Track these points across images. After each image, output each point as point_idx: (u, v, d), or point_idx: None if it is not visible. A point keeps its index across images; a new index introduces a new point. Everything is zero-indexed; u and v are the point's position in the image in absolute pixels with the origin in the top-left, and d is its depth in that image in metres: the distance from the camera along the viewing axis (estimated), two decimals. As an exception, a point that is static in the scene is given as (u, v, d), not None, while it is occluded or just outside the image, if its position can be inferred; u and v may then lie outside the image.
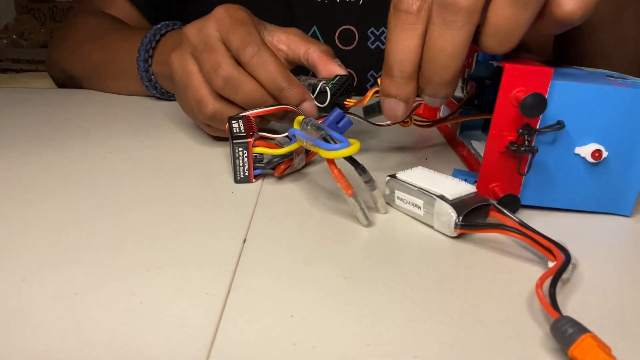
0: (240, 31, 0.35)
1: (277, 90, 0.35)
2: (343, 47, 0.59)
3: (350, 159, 0.27)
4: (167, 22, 0.51)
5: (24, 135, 0.41)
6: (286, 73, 0.35)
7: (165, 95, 0.53)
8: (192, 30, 0.37)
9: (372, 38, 0.59)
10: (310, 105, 0.37)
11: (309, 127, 0.29)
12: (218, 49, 0.35)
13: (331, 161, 0.27)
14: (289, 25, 0.41)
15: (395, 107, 0.30)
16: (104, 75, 0.56)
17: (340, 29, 0.58)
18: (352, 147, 0.26)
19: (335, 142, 0.27)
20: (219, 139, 0.41)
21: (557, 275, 0.22)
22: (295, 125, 0.31)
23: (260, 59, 0.35)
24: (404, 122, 0.38)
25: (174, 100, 0.52)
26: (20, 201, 0.29)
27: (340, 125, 0.33)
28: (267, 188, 0.33)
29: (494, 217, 0.28)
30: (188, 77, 0.37)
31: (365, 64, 0.60)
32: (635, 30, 0.45)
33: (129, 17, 0.60)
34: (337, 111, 0.33)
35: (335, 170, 0.27)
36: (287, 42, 0.40)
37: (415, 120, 0.39)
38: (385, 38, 0.59)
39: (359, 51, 0.59)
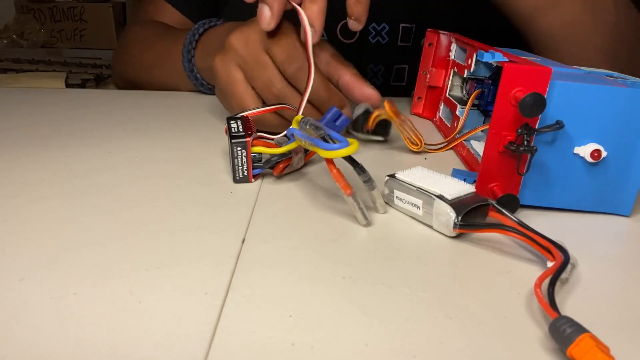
0: (285, 43, 0.37)
1: (319, 102, 0.38)
2: (344, 40, 0.60)
3: (349, 159, 0.27)
4: (204, 20, 0.53)
5: (22, 135, 0.40)
6: (327, 85, 0.39)
7: (214, 90, 0.53)
8: (238, 41, 0.38)
9: (373, 33, 0.60)
10: (347, 111, 0.40)
11: (307, 127, 0.29)
12: (269, 67, 0.38)
13: (330, 161, 0.27)
14: (292, 19, 0.41)
15: (262, 11, 0.36)
16: (158, 78, 0.59)
17: (342, 23, 0.59)
18: (351, 147, 0.26)
19: (334, 142, 0.27)
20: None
21: (555, 275, 0.22)
22: (294, 125, 0.31)
23: (305, 73, 0.37)
24: (414, 145, 0.39)
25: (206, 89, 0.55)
26: (18, 200, 0.29)
27: (337, 123, 0.33)
28: (266, 187, 0.33)
29: (493, 217, 0.28)
30: (233, 84, 0.39)
31: (364, 57, 0.61)
32: (578, 14, 0.47)
33: (178, 21, 0.64)
34: (334, 109, 0.33)
35: (334, 170, 0.27)
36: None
37: (426, 144, 0.40)
38: (386, 33, 0.60)
39: (359, 45, 0.60)
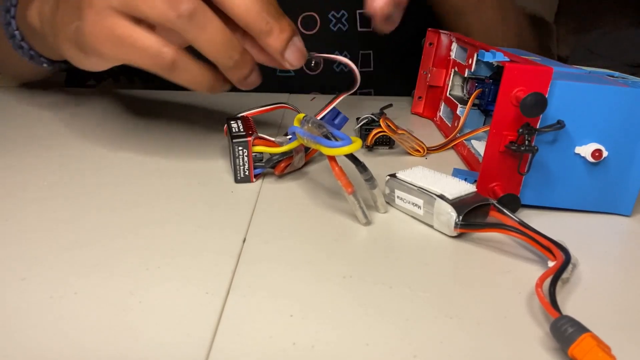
0: None
1: (257, 28, 0.29)
2: (306, 32, 0.60)
3: (351, 157, 0.27)
4: None
5: (22, 134, 0.40)
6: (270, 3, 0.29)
7: (36, 58, 0.44)
8: None
9: (334, 21, 0.60)
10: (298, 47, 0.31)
11: (310, 125, 0.29)
12: None
13: (332, 158, 0.27)
14: None
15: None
16: None
17: (302, 16, 0.59)
18: (354, 145, 0.26)
19: (337, 140, 0.27)
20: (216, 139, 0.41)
21: (557, 275, 0.22)
22: (295, 123, 0.31)
23: None
24: (416, 152, 0.39)
25: (45, 64, 0.45)
26: (19, 200, 0.29)
27: (336, 122, 0.33)
28: (267, 187, 0.33)
29: (493, 216, 0.28)
30: (125, 40, 0.28)
31: (328, 45, 0.61)
32: (492, 19, 0.55)
33: None
34: (333, 108, 0.33)
35: (336, 168, 0.27)
36: None
37: (429, 148, 0.40)
38: (345, 20, 0.60)
39: (322, 34, 0.60)
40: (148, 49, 0.28)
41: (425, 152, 0.39)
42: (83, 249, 0.25)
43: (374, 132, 0.38)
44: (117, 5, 0.28)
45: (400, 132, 0.38)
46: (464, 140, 0.40)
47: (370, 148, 0.40)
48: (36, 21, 0.35)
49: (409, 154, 0.39)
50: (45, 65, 0.45)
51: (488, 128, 0.36)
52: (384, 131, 0.38)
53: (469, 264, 0.25)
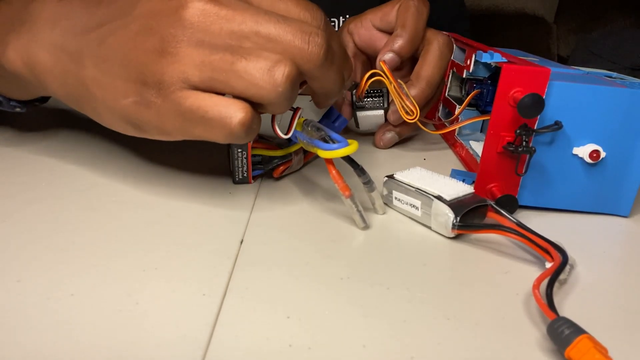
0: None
1: (332, 95, 0.29)
2: None
3: (349, 160, 0.27)
4: None
5: (20, 134, 0.40)
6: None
7: (5, 103, 0.35)
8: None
9: None
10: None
11: (308, 128, 0.29)
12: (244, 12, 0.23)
13: (329, 161, 0.27)
14: None
15: None
16: None
17: None
18: (350, 147, 0.26)
19: (334, 142, 0.27)
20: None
21: (554, 276, 0.22)
22: (297, 127, 0.30)
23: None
24: (409, 115, 0.36)
25: (18, 108, 0.36)
26: (15, 201, 0.29)
27: (336, 124, 0.33)
28: (265, 188, 0.33)
29: (491, 217, 0.28)
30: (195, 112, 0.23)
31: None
32: None
33: None
34: (332, 110, 0.33)
35: (334, 171, 0.27)
36: None
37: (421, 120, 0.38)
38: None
39: None
40: (221, 119, 0.23)
41: (417, 115, 0.36)
42: (79, 250, 0.25)
43: (368, 74, 0.35)
44: (197, 82, 0.23)
45: (399, 81, 0.36)
46: (462, 141, 0.40)
47: (360, 101, 0.38)
48: (20, 69, 0.28)
49: (405, 152, 0.39)
50: (18, 109, 0.36)
51: (483, 118, 0.36)
52: (380, 75, 0.35)
53: (466, 265, 0.25)
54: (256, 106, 0.24)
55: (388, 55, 0.38)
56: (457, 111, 0.40)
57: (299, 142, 0.30)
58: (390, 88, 0.37)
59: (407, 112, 0.36)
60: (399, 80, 0.37)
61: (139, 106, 0.24)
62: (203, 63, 0.23)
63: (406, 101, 0.36)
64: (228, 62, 0.23)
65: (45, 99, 0.38)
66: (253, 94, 0.23)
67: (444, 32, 0.41)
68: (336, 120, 0.33)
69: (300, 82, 0.25)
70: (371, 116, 0.40)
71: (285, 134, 0.28)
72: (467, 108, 0.40)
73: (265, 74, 0.23)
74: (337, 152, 0.26)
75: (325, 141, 0.27)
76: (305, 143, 0.29)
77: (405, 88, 0.37)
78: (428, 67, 0.39)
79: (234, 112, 0.23)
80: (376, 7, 0.42)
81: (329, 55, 0.24)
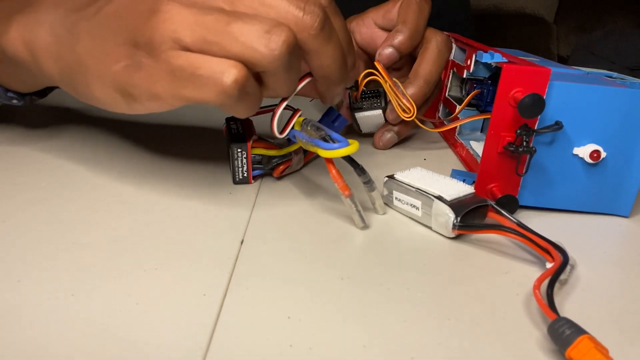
0: None
1: (334, 78, 0.27)
2: None
3: (349, 160, 0.27)
4: None
5: (20, 134, 0.40)
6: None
7: (2, 95, 0.35)
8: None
9: None
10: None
11: (308, 128, 0.29)
12: None
13: (329, 161, 0.27)
14: None
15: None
16: None
17: None
18: (351, 147, 0.26)
19: (334, 142, 0.27)
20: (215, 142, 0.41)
21: (554, 277, 0.22)
22: (295, 126, 0.30)
23: None
24: (406, 113, 0.36)
25: (15, 100, 0.36)
26: (16, 201, 0.29)
27: (336, 124, 0.33)
28: (265, 188, 0.33)
29: (492, 217, 0.28)
30: (185, 70, 0.23)
31: None
32: None
33: None
34: (332, 110, 0.33)
35: (334, 171, 0.27)
36: None
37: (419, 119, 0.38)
38: None
39: None
40: (212, 75, 0.22)
41: (414, 113, 0.36)
42: (80, 250, 0.25)
43: (363, 73, 0.36)
44: (189, 43, 0.22)
45: (394, 80, 0.36)
46: (463, 141, 0.40)
47: (357, 102, 0.38)
48: (20, 50, 0.28)
49: (405, 152, 0.39)
50: (15, 102, 0.36)
51: (482, 116, 0.36)
52: (375, 74, 0.35)
53: (466, 266, 0.25)
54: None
55: (387, 50, 0.38)
56: (457, 110, 0.40)
57: (298, 142, 0.30)
58: (386, 86, 0.37)
59: (404, 110, 0.37)
60: (394, 79, 0.37)
61: (130, 69, 0.24)
62: (196, 23, 0.22)
63: (402, 99, 0.36)
64: (222, 23, 0.22)
65: (43, 93, 0.38)
66: (248, 57, 0.22)
67: (443, 32, 0.41)
68: (336, 120, 0.33)
69: (298, 51, 0.24)
70: (370, 116, 0.40)
71: (280, 133, 0.28)
72: (467, 108, 0.40)
73: (261, 36, 0.22)
74: (337, 152, 0.26)
75: (326, 141, 0.27)
76: (305, 142, 0.29)
77: (401, 86, 0.37)
78: (426, 65, 0.38)
79: (227, 69, 0.22)
80: (378, 5, 0.42)
81: (326, 27, 0.24)
